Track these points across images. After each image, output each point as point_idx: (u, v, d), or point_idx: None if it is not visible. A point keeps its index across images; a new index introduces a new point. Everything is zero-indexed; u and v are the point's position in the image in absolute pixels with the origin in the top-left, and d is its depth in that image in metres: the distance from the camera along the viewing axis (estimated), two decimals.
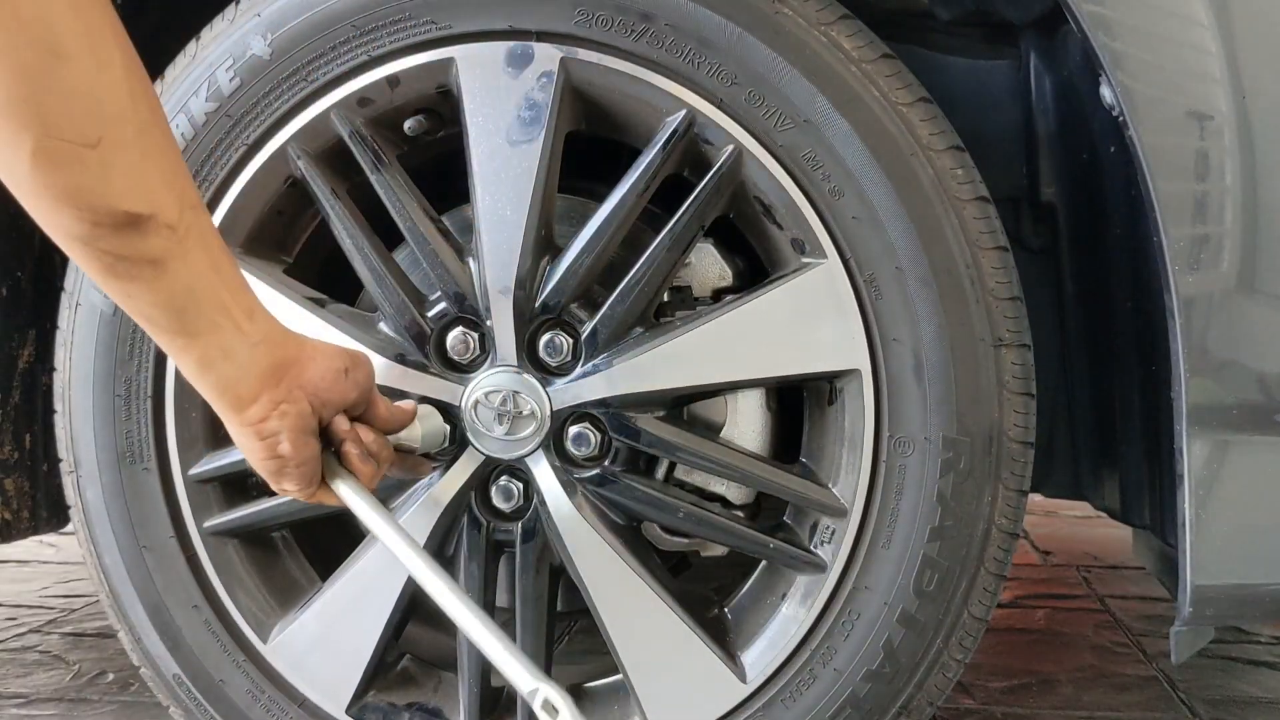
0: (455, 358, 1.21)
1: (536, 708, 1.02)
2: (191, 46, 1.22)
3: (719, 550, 1.34)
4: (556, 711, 1.01)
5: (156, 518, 1.26)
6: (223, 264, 0.92)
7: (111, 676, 1.84)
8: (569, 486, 1.21)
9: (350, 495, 1.06)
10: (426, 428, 1.16)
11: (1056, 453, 1.49)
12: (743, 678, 1.21)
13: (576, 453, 1.21)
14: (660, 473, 1.29)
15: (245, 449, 1.00)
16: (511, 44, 1.16)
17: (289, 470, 1.01)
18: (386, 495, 1.26)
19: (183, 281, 0.88)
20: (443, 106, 1.21)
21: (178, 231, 0.86)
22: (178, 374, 1.24)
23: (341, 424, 1.05)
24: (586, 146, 1.26)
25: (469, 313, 1.20)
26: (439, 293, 1.21)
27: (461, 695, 1.26)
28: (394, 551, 1.06)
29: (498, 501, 1.23)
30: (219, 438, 1.28)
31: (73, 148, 0.79)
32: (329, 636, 1.26)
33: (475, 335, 1.20)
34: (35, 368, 1.38)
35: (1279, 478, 1.09)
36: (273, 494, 1.30)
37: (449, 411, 1.21)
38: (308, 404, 0.99)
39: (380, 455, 1.08)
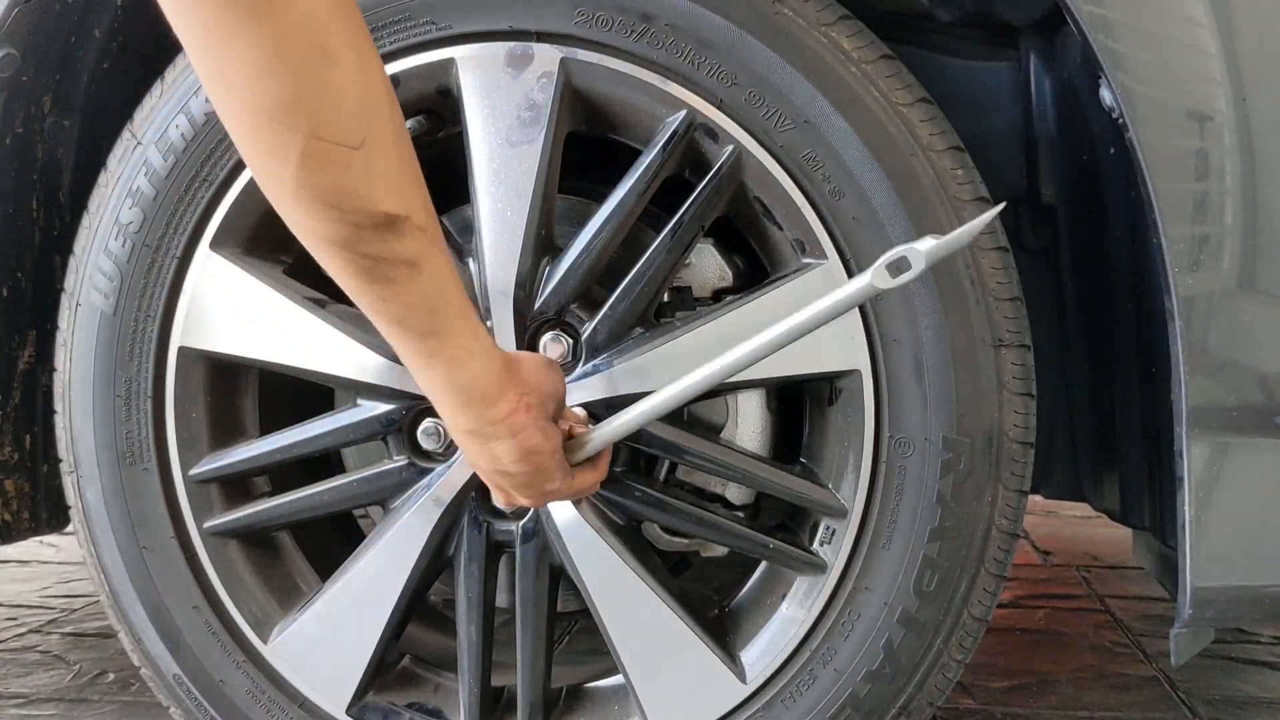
0: None
1: (886, 282, 0.97)
2: None
3: (719, 551, 1.35)
4: (903, 260, 0.96)
5: (157, 518, 1.26)
6: (453, 267, 0.93)
7: (112, 676, 1.84)
8: None
9: (604, 431, 1.06)
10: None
11: (1056, 454, 1.50)
12: (743, 678, 1.21)
13: None
14: (661, 473, 1.30)
15: (496, 456, 0.99)
16: (511, 44, 1.16)
17: (545, 464, 1.00)
18: (386, 495, 1.26)
19: (435, 281, 0.89)
20: (443, 107, 1.21)
21: (428, 233, 0.87)
22: (178, 374, 1.24)
23: (570, 415, 1.07)
24: (587, 147, 1.26)
25: None
26: None
27: (461, 695, 1.26)
28: (677, 397, 1.05)
29: (498, 502, 1.23)
30: (220, 438, 1.28)
31: (339, 149, 0.79)
32: (329, 637, 1.26)
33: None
34: (35, 369, 1.38)
35: (1279, 480, 1.09)
36: (273, 495, 1.31)
37: None
38: (538, 396, 1.00)
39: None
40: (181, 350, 1.24)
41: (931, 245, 0.96)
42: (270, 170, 0.80)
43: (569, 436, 1.07)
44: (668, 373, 1.17)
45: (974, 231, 0.96)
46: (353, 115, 0.79)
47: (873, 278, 0.97)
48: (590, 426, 1.09)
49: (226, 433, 1.29)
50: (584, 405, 1.18)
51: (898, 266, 0.97)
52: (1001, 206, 1.01)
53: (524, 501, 1.05)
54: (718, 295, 1.28)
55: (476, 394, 0.96)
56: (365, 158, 0.80)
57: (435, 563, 1.25)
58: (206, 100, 1.20)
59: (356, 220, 0.82)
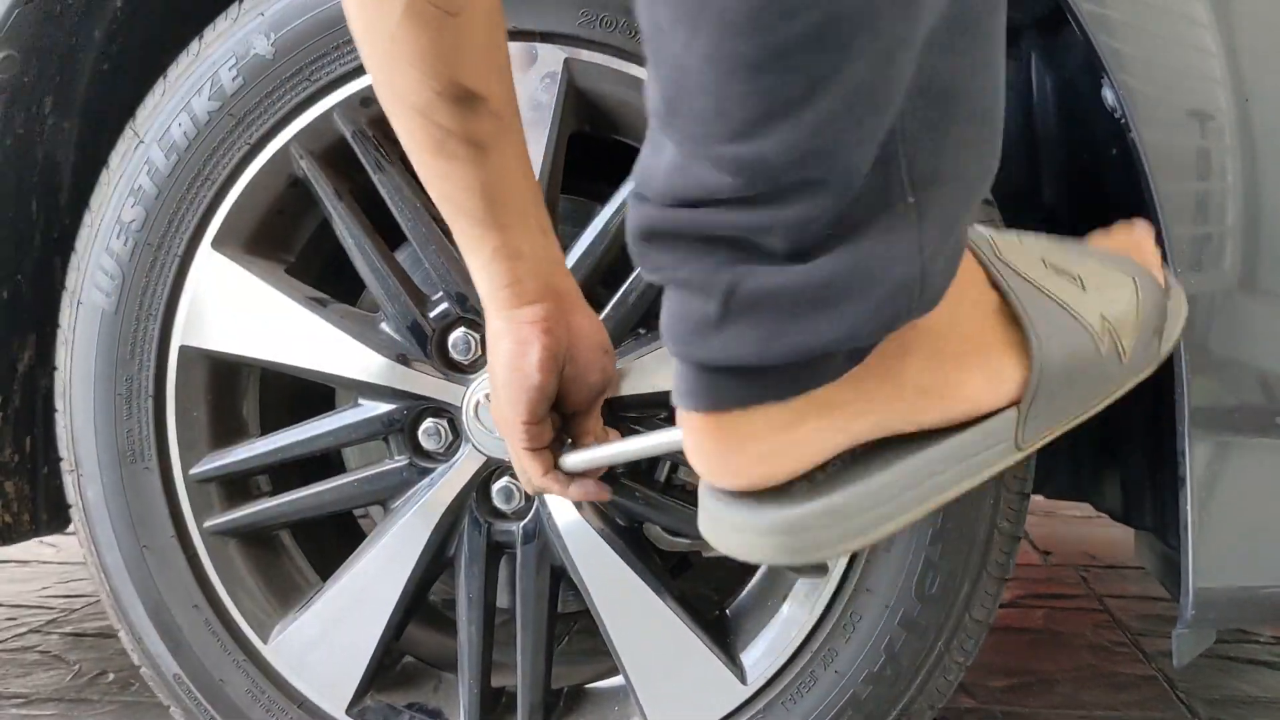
0: (457, 358, 1.21)
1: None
2: (195, 45, 1.22)
3: (720, 551, 1.34)
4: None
5: (157, 517, 1.26)
6: (529, 174, 0.94)
7: (112, 676, 1.83)
8: None
9: (587, 456, 1.00)
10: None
11: (1058, 454, 1.50)
12: (743, 679, 1.21)
13: None
14: (662, 474, 1.30)
15: (495, 357, 0.98)
16: (515, 45, 1.16)
17: (520, 389, 0.96)
18: (387, 495, 1.26)
19: (499, 170, 0.90)
20: None
21: (503, 121, 0.89)
22: (179, 373, 1.24)
23: (583, 418, 1.03)
24: (590, 147, 1.25)
25: (471, 313, 1.20)
26: (441, 293, 1.20)
27: (461, 696, 1.26)
28: (664, 446, 0.97)
29: (498, 502, 1.23)
30: (221, 437, 1.28)
31: (439, 12, 0.82)
32: (329, 637, 1.26)
33: (477, 336, 1.20)
34: (35, 371, 1.37)
35: None
36: (273, 495, 1.30)
37: (449, 412, 1.21)
38: (566, 345, 0.98)
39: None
40: (183, 349, 1.24)
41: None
42: (372, 21, 0.84)
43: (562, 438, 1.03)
44: (669, 372, 1.16)
45: None
46: None
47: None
48: (580, 451, 1.02)
49: (227, 432, 1.29)
50: None
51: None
52: None
53: (496, 423, 1.02)
54: None
55: (510, 289, 0.95)
56: (458, 27, 0.84)
57: (436, 563, 1.25)
58: (210, 98, 1.20)
59: (438, 87, 0.85)
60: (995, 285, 0.81)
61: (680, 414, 0.74)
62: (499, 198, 0.92)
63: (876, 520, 0.74)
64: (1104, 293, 0.87)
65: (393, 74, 0.86)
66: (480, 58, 0.86)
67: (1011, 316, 0.80)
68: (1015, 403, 0.79)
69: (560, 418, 1.02)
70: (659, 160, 0.67)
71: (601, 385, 1.03)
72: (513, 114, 0.92)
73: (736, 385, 0.70)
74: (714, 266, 0.67)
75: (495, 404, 1.01)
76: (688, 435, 0.74)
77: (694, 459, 0.75)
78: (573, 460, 1.01)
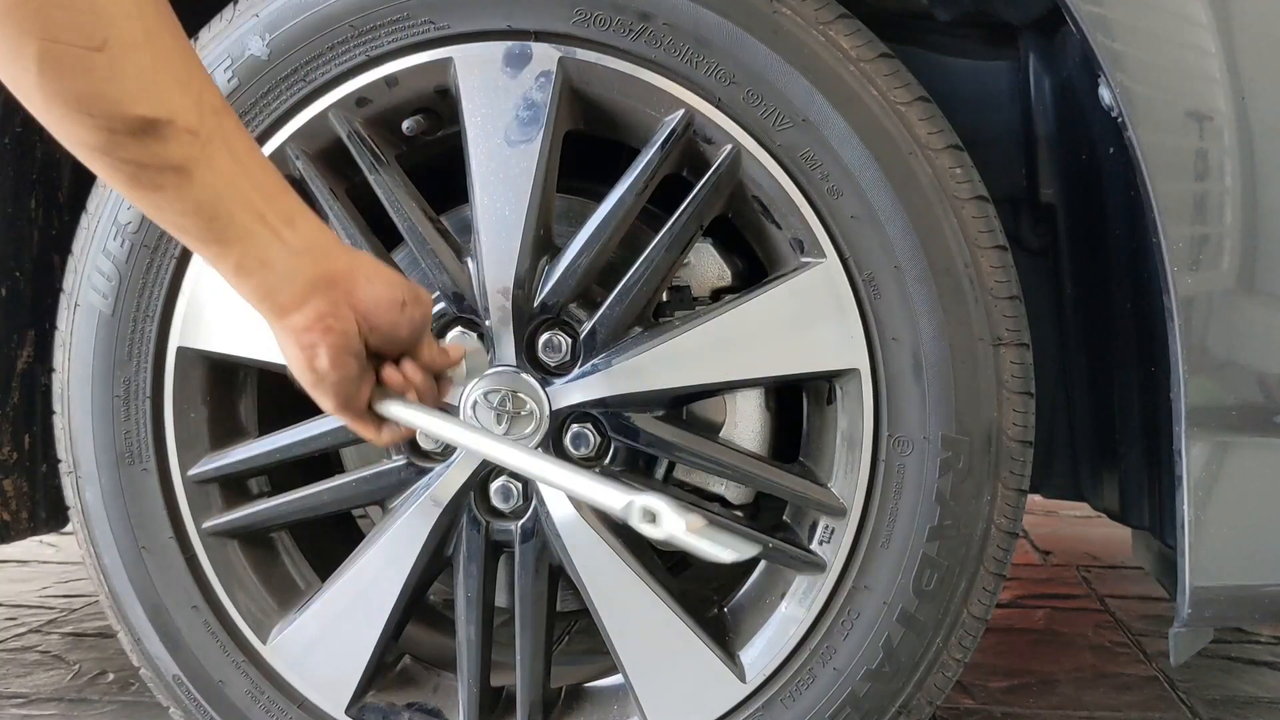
0: None
1: (635, 521, 0.94)
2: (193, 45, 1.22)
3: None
4: (655, 516, 0.93)
5: (156, 518, 1.26)
6: (254, 169, 0.89)
7: (111, 676, 1.84)
8: None
9: (403, 412, 1.00)
10: (471, 363, 1.13)
11: (1056, 453, 1.49)
12: (742, 677, 1.21)
13: (575, 452, 1.21)
14: (659, 472, 1.30)
15: (284, 353, 0.96)
16: (510, 44, 1.16)
17: (325, 386, 0.96)
18: (385, 495, 1.26)
19: (210, 188, 0.85)
20: (441, 106, 1.21)
21: (199, 136, 0.83)
22: (177, 375, 1.24)
23: (391, 373, 1.01)
24: (585, 146, 1.26)
25: (468, 312, 1.20)
26: (438, 292, 1.20)
27: (461, 695, 1.26)
28: (469, 446, 1.02)
29: (497, 501, 1.23)
30: (219, 438, 1.28)
31: (78, 51, 0.76)
32: (328, 637, 1.26)
33: (474, 335, 1.20)
34: (34, 368, 1.38)
35: (1278, 479, 1.09)
36: (272, 495, 1.31)
37: (448, 412, 1.22)
38: (354, 324, 0.95)
39: (426, 397, 1.03)
40: (180, 350, 1.24)
41: (682, 528, 0.93)
42: (15, 77, 0.78)
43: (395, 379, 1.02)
44: (666, 371, 1.17)
45: (714, 553, 0.92)
46: (88, 15, 0.76)
47: (624, 509, 0.95)
48: (401, 402, 1.02)
49: (225, 433, 1.29)
50: (582, 405, 1.19)
51: (651, 514, 0.94)
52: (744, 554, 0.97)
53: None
54: (716, 294, 1.28)
55: (267, 302, 0.92)
56: (109, 60, 0.77)
57: (434, 563, 1.25)
58: None
59: (109, 125, 0.79)
60: None
61: None
62: (221, 214, 0.87)
63: None
64: None
65: (57, 123, 0.79)
66: (150, 80, 0.80)
67: None
68: None
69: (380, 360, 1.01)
70: None
71: (416, 333, 1.00)
72: (214, 119, 0.85)
73: None
74: None
75: (310, 393, 0.99)
76: None
77: None
78: (392, 409, 1.01)
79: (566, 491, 1.03)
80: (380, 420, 1.01)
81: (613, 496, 0.96)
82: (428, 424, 1.01)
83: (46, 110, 0.79)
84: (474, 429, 1.02)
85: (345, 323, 0.94)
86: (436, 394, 1.05)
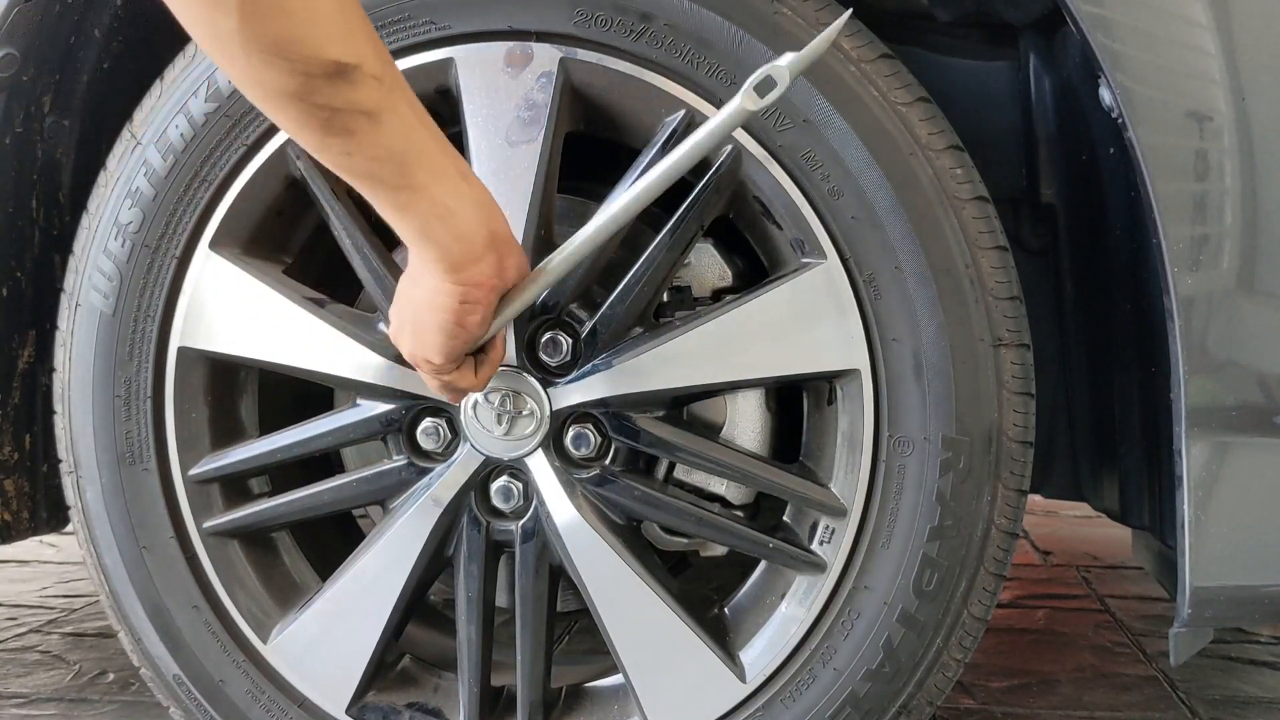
0: None
1: (754, 103, 0.96)
2: (191, 47, 1.23)
3: (719, 550, 1.35)
4: (773, 81, 0.95)
5: (156, 518, 1.26)
6: (429, 122, 0.92)
7: (112, 676, 1.84)
8: (569, 486, 1.21)
9: (515, 307, 1.02)
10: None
11: (1056, 453, 1.50)
12: (742, 677, 1.21)
13: (576, 453, 1.21)
14: (660, 473, 1.30)
15: (427, 303, 0.98)
16: (511, 44, 1.16)
17: (457, 342, 0.98)
18: (386, 495, 1.26)
19: (398, 133, 0.89)
20: (442, 107, 1.21)
21: (384, 83, 0.87)
22: (177, 375, 1.24)
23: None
24: (586, 147, 1.26)
25: None
26: None
27: (461, 695, 1.26)
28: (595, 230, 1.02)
29: (497, 502, 1.23)
30: (219, 438, 1.28)
31: None
32: (329, 637, 1.26)
33: None
34: (35, 368, 1.38)
35: (1278, 479, 1.09)
36: (272, 495, 1.31)
37: (448, 412, 1.22)
38: (500, 288, 0.99)
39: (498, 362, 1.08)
40: (181, 350, 1.24)
41: (792, 59, 0.96)
42: (215, 28, 0.80)
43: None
44: (667, 372, 1.17)
45: (830, 37, 0.96)
46: None
47: (743, 100, 0.96)
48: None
49: (226, 433, 1.29)
50: (583, 405, 1.19)
51: (765, 86, 0.96)
52: (849, 13, 1.01)
53: (404, 348, 1.03)
54: (717, 295, 1.28)
55: (454, 252, 0.94)
56: (306, 4, 0.81)
57: (435, 562, 1.25)
58: (206, 100, 1.20)
59: (306, 69, 0.82)
60: None
61: None
62: (410, 159, 0.90)
63: None
64: None
65: (255, 71, 0.83)
66: (338, 25, 0.83)
67: None
68: None
69: None
70: None
71: (522, 305, 1.04)
72: (393, 70, 0.89)
73: None
74: None
75: (419, 350, 1.00)
76: None
77: None
78: (500, 318, 1.02)
79: (692, 156, 1.00)
80: (473, 364, 1.04)
81: (724, 114, 0.98)
82: (537, 288, 1.03)
83: (245, 56, 0.81)
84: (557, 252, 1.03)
85: (505, 283, 0.98)
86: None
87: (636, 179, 1.00)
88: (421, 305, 0.98)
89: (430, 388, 1.08)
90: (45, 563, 2.63)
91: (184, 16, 0.82)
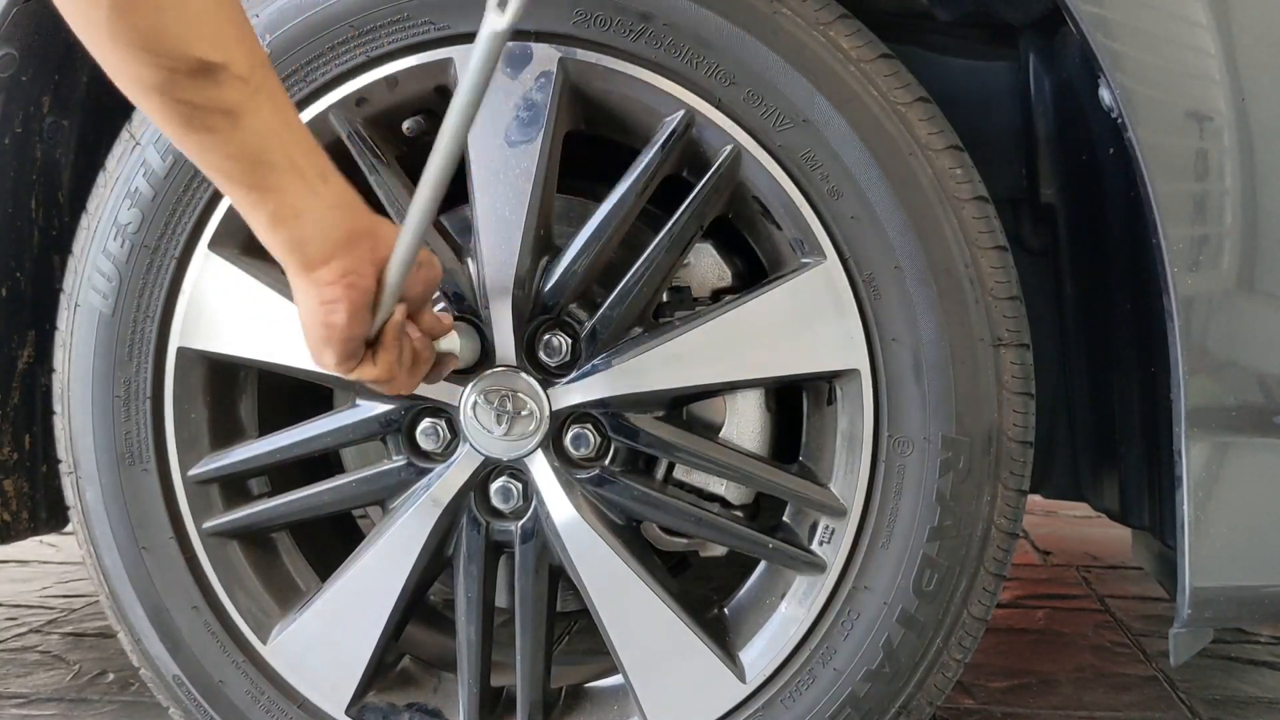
0: None
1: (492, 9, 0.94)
2: None
3: (718, 550, 1.34)
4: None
5: (156, 519, 1.26)
6: (294, 124, 0.94)
7: (112, 676, 1.84)
8: (568, 487, 1.21)
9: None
10: (465, 339, 1.15)
11: (1056, 453, 1.50)
12: (742, 678, 1.21)
13: (575, 453, 1.21)
14: (659, 473, 1.30)
15: (301, 309, 0.99)
16: (510, 44, 1.16)
17: (334, 341, 0.99)
18: (385, 495, 1.26)
19: (256, 134, 0.90)
20: (441, 107, 1.20)
21: (250, 84, 0.88)
22: (177, 375, 1.24)
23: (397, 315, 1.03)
24: (585, 147, 1.26)
25: (468, 313, 1.20)
26: (438, 293, 1.20)
27: (461, 696, 1.26)
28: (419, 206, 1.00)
29: (497, 502, 1.23)
30: (219, 438, 1.28)
31: None
32: (329, 637, 1.26)
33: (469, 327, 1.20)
34: (34, 369, 1.38)
35: (1278, 480, 1.09)
36: (272, 495, 1.31)
37: (447, 412, 1.22)
38: (374, 282, 0.98)
39: (422, 355, 1.06)
40: (180, 351, 1.24)
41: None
42: (84, 13, 0.82)
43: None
44: (666, 372, 1.17)
45: None
46: None
47: (488, 25, 0.94)
48: (454, 333, 1.09)
49: (225, 433, 1.29)
50: (582, 406, 1.19)
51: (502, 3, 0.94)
52: None
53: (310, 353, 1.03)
54: (716, 295, 1.28)
55: (297, 254, 0.96)
56: (177, 0, 0.83)
57: (434, 563, 1.25)
58: None
59: (171, 64, 0.84)
60: None
61: None
62: (263, 160, 0.91)
63: None
64: None
65: (121, 60, 0.84)
66: (209, 25, 0.85)
67: None
68: None
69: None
70: None
71: (426, 294, 1.05)
72: (262, 72, 0.90)
73: None
74: None
75: (312, 352, 1.01)
76: None
77: None
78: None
79: (472, 96, 0.97)
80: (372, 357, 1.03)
81: (480, 47, 0.96)
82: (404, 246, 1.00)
83: (111, 46, 0.83)
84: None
85: (367, 280, 0.98)
86: (431, 353, 1.08)
87: (443, 125, 0.98)
88: (299, 308, 1.00)
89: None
90: (45, 563, 2.63)
91: (60, 3, 0.84)
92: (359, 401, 1.24)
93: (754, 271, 1.28)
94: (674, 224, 1.16)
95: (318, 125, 1.19)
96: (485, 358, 1.20)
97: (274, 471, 1.33)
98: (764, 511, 1.32)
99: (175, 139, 0.91)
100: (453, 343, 1.11)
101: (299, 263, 0.96)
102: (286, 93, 0.95)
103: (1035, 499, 1.56)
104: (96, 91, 1.37)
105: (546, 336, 1.19)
